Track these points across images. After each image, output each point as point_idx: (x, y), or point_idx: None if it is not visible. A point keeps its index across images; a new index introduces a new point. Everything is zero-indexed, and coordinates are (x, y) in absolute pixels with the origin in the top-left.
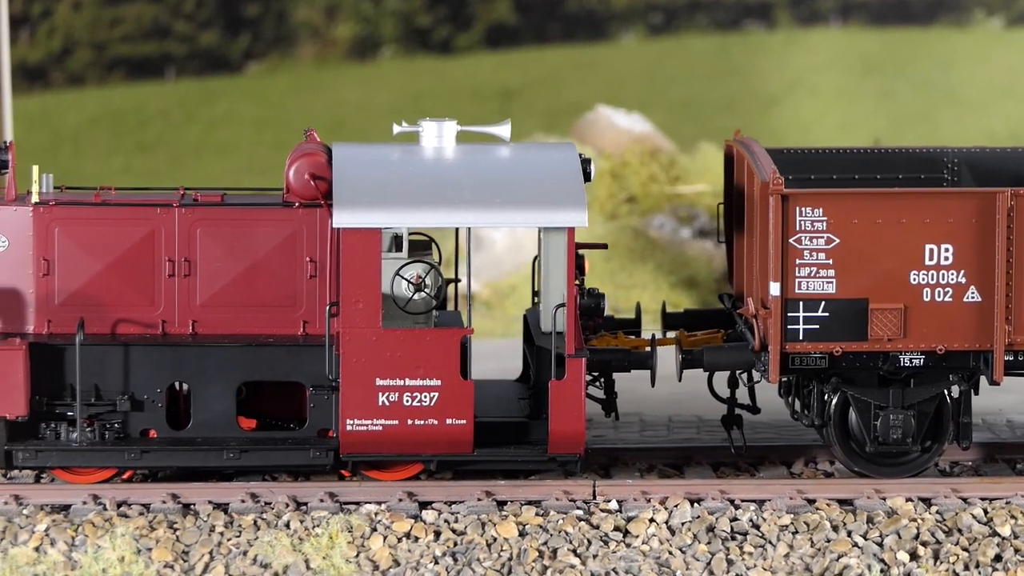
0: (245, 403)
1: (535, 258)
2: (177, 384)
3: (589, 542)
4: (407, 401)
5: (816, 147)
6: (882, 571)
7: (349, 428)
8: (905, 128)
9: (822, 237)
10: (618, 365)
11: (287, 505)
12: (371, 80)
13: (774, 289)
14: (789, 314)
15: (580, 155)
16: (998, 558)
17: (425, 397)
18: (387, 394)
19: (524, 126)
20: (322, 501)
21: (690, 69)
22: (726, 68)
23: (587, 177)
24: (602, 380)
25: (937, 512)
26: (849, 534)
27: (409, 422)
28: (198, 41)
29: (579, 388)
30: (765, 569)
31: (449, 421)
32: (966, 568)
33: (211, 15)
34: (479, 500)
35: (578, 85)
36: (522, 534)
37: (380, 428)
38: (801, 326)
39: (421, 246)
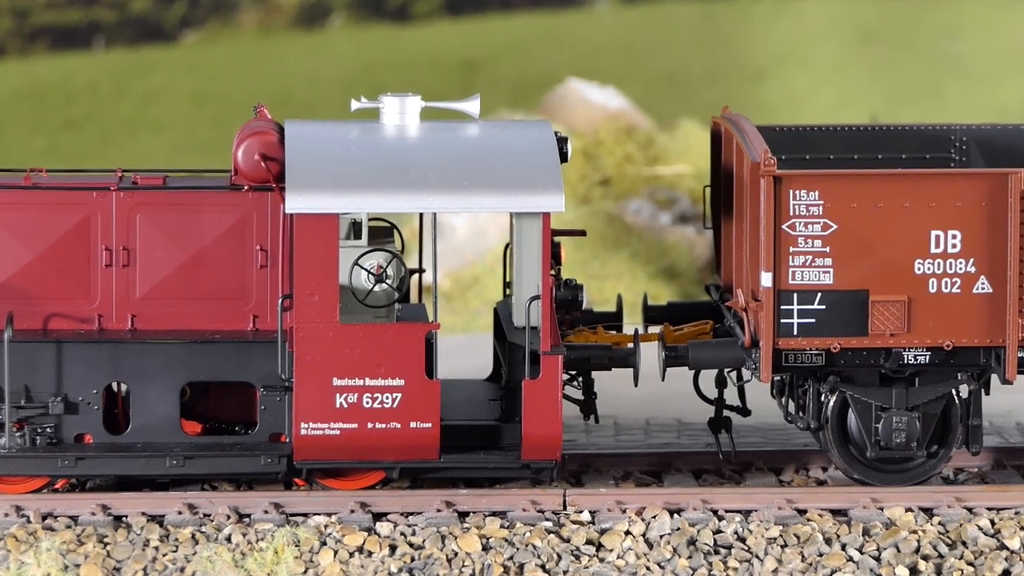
0: (189, 405)
1: (507, 246)
2: (115, 385)
3: (559, 557)
4: (367, 403)
5: (811, 124)
6: None
7: (304, 432)
8: (906, 103)
9: (818, 223)
10: (598, 363)
11: (228, 517)
12: (320, 50)
13: (766, 280)
14: (782, 307)
15: (556, 133)
16: (1006, 573)
17: (387, 398)
18: (345, 395)
19: (489, 101)
20: (267, 512)
21: (670, 39)
22: (710, 38)
23: (564, 158)
24: (580, 379)
25: (940, 523)
26: (843, 547)
27: (369, 425)
28: (129, 8)
29: (555, 388)
30: None
31: (413, 424)
32: None
33: None
34: (439, 511)
35: (547, 56)
36: (486, 548)
37: (337, 432)
38: (795, 320)
39: (382, 233)
